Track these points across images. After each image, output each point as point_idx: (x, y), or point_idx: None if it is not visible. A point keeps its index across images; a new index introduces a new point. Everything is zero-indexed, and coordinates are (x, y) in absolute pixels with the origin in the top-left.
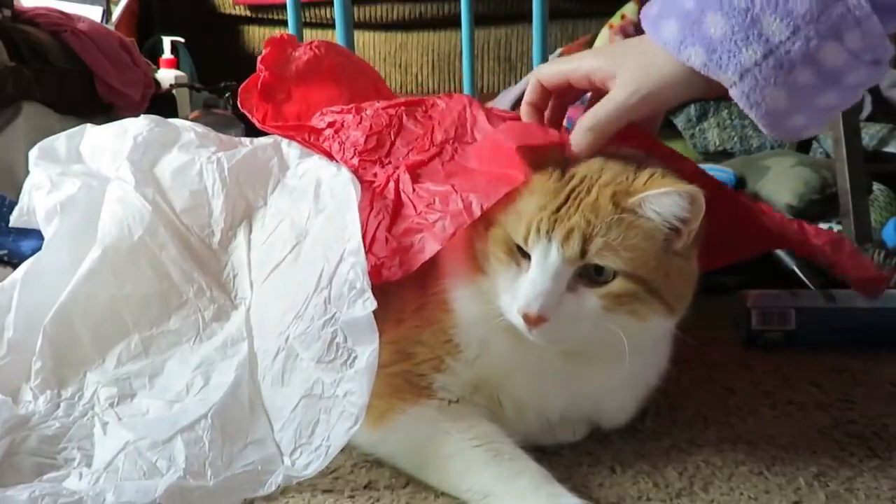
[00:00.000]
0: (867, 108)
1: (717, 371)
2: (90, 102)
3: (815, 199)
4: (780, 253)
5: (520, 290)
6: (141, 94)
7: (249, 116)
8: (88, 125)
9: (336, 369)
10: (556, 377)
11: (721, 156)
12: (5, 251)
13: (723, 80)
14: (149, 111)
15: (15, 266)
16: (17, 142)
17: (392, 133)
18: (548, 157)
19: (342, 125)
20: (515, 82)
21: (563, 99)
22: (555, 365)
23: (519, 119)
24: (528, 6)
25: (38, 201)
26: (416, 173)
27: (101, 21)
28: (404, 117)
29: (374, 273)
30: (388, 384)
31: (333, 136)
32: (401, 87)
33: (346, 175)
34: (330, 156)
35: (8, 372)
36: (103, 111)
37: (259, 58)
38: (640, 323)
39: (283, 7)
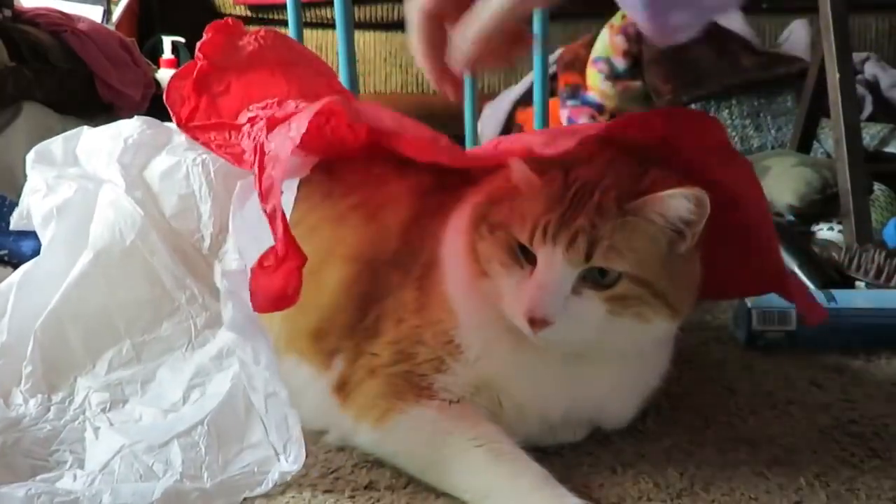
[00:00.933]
0: (868, 109)
1: (718, 371)
2: (90, 102)
3: (816, 199)
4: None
5: (524, 292)
6: (141, 95)
7: (171, 112)
8: (85, 127)
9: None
10: (557, 379)
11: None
12: (5, 251)
13: None
14: (149, 111)
15: (15, 266)
16: (18, 142)
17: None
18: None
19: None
20: (516, 82)
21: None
22: (556, 367)
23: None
24: None
25: (34, 205)
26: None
27: (102, 21)
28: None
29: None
30: (389, 384)
31: (248, 132)
32: (401, 88)
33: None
34: (239, 158)
35: (0, 376)
36: (104, 111)
37: (199, 44)
38: (643, 325)
39: (284, 7)
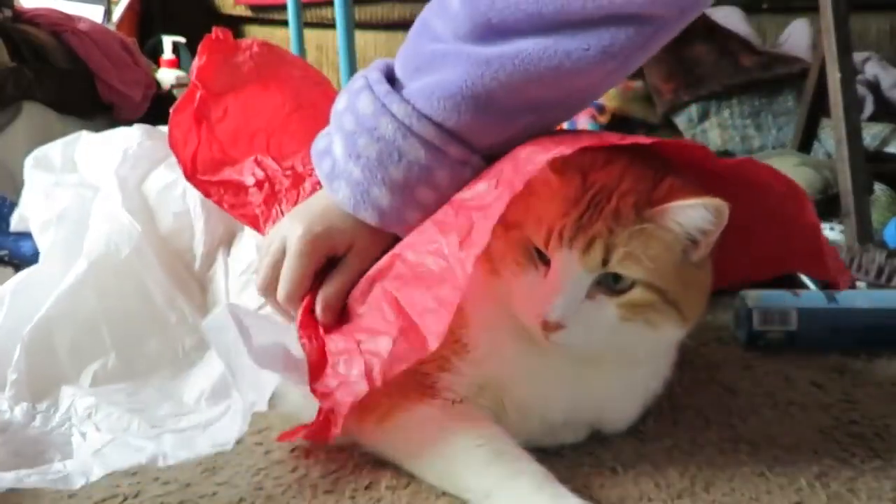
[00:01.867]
0: (869, 109)
1: (719, 371)
2: (91, 103)
3: (817, 199)
4: None
5: (538, 295)
6: (142, 95)
7: (175, 156)
8: (84, 132)
9: None
10: (561, 382)
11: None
12: (6, 251)
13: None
14: (150, 111)
15: (16, 266)
16: (18, 142)
17: None
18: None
19: (272, 191)
20: None
21: None
22: (560, 369)
23: None
24: None
25: (32, 212)
26: None
27: (102, 21)
28: None
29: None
30: (393, 382)
31: (261, 207)
32: None
33: None
34: (255, 221)
35: None
36: (104, 111)
37: (194, 68)
38: (653, 331)
39: (284, 7)
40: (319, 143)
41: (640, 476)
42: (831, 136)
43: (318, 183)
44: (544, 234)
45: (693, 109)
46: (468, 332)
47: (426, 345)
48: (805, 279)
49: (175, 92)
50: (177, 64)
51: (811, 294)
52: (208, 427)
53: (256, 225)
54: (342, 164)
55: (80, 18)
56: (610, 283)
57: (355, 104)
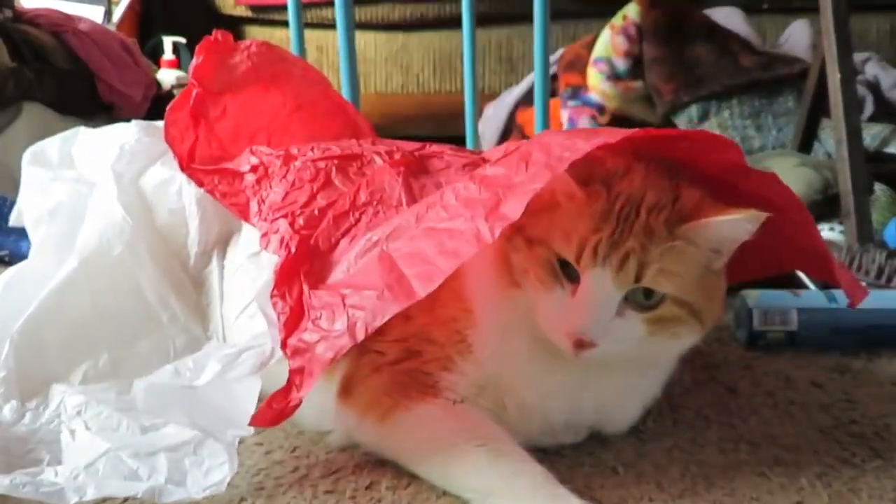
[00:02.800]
0: (869, 109)
1: (719, 371)
2: (91, 103)
3: (817, 199)
4: None
5: (568, 312)
6: (142, 95)
7: (172, 151)
8: (82, 128)
9: None
10: (564, 385)
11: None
12: (6, 251)
13: None
14: (150, 112)
15: None
16: (18, 142)
17: (315, 187)
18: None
19: (265, 173)
20: (517, 83)
21: None
22: (565, 373)
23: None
24: (530, 6)
25: (27, 207)
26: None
27: (103, 21)
28: (333, 171)
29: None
30: (394, 381)
31: (254, 188)
32: (402, 88)
33: None
34: (246, 210)
35: None
36: (104, 112)
37: (192, 68)
38: (677, 342)
39: (285, 7)
40: None
41: (640, 476)
42: (831, 136)
43: (310, 160)
44: (575, 250)
45: (693, 110)
46: (476, 334)
47: (413, 294)
48: (805, 279)
49: (175, 92)
50: (177, 64)
51: (811, 294)
52: (199, 448)
53: (246, 214)
54: None
55: (80, 19)
56: (639, 299)
57: None
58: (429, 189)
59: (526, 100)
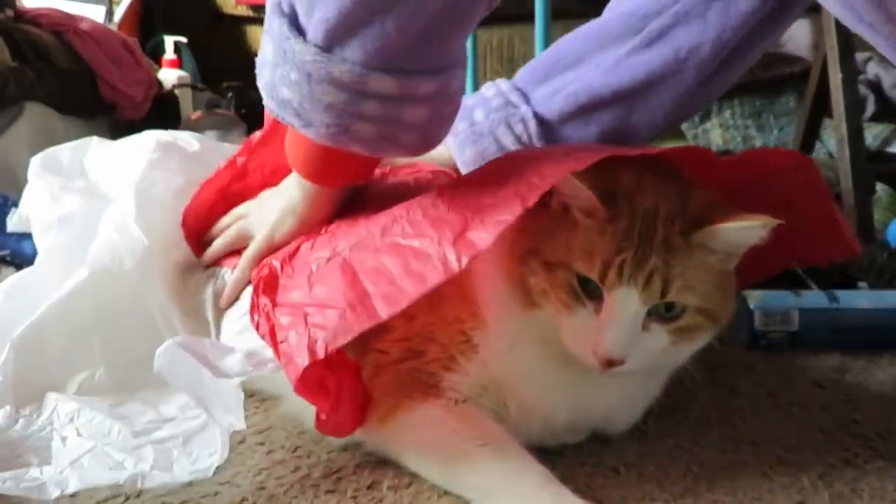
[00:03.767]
0: (870, 109)
1: (720, 372)
2: (92, 103)
3: None
4: None
5: (595, 332)
6: (143, 95)
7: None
8: (95, 138)
9: None
10: (567, 387)
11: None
12: (8, 251)
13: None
14: (151, 112)
15: (18, 266)
16: (20, 142)
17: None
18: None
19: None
20: None
21: None
22: (569, 376)
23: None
24: (531, 6)
25: (35, 213)
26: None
27: (104, 21)
28: None
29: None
30: (396, 381)
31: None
32: None
33: None
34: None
35: None
36: (106, 111)
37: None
38: (694, 346)
39: None
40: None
41: (642, 476)
42: (833, 136)
43: None
44: (599, 270)
45: None
46: (482, 335)
47: (375, 316)
48: (807, 280)
49: (176, 92)
50: (178, 64)
51: (813, 294)
52: (187, 442)
53: None
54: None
55: (81, 18)
56: (661, 312)
57: None
58: (387, 191)
59: None
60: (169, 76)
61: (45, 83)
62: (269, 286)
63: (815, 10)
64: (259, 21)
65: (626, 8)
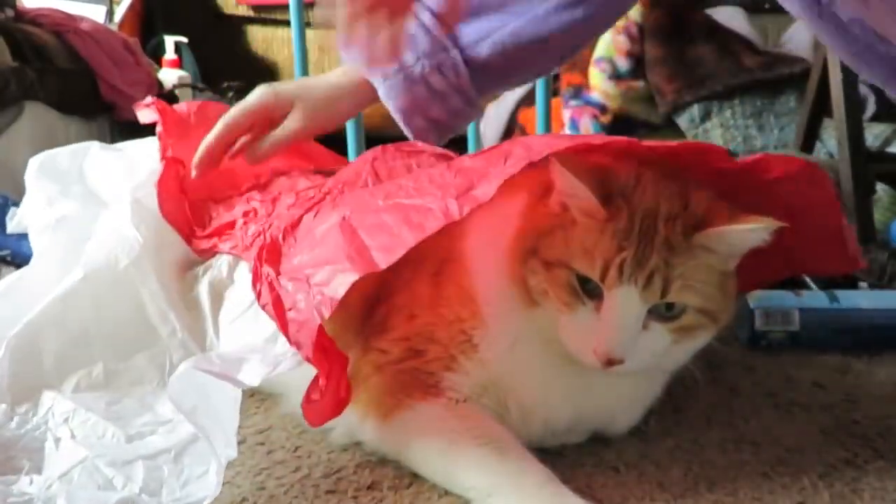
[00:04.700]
0: (871, 109)
1: (721, 372)
2: (93, 103)
3: None
4: None
5: (596, 332)
6: (144, 95)
7: (172, 226)
8: (95, 143)
9: None
10: (568, 388)
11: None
12: (7, 251)
13: (374, 82)
14: None
15: (18, 266)
16: (20, 142)
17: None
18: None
19: (255, 216)
20: None
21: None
22: (570, 377)
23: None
24: None
25: (32, 215)
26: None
27: (104, 21)
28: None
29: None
30: (397, 380)
31: (243, 228)
32: None
33: None
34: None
35: None
36: (106, 111)
37: (161, 145)
38: (695, 345)
39: (286, 7)
40: None
41: (642, 476)
42: (833, 136)
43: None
44: (600, 269)
45: (695, 109)
46: (482, 334)
47: (373, 264)
48: (807, 279)
49: (177, 92)
50: (179, 64)
51: (813, 294)
52: (179, 457)
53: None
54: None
55: (82, 18)
56: (662, 311)
57: None
58: (398, 171)
59: (527, 100)
60: (169, 76)
61: (45, 83)
62: (271, 255)
63: None
64: (259, 21)
65: None
